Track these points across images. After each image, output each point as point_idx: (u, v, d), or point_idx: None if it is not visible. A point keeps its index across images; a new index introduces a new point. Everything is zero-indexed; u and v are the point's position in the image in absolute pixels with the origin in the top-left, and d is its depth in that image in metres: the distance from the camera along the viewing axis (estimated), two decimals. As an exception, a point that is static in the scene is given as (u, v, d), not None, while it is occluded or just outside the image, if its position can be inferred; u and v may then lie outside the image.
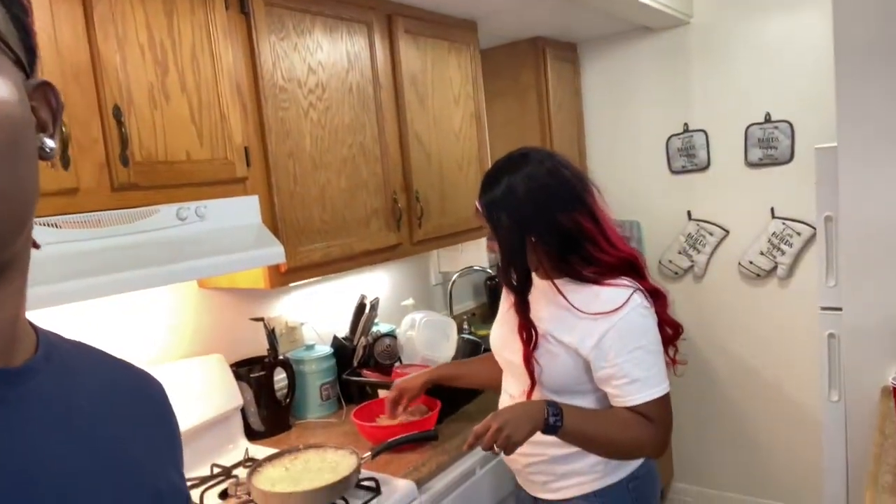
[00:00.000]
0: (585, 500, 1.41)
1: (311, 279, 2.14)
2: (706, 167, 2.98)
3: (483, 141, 2.53)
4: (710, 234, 3.00)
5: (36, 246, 0.54)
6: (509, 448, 1.23)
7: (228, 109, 1.59)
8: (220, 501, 1.55)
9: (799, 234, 2.78)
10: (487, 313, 2.96)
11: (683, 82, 2.98)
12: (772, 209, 2.84)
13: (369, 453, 1.58)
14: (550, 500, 1.46)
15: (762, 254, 2.87)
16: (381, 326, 2.29)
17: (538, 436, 1.27)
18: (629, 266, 1.37)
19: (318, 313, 2.27)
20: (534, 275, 1.40)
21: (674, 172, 3.06)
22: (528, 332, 1.37)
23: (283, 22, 1.74)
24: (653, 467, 1.50)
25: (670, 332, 1.39)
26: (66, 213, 1.28)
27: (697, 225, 3.02)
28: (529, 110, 2.97)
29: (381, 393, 2.00)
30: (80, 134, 1.31)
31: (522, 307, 1.37)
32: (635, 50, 3.08)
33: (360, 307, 2.19)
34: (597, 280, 1.34)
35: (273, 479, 1.48)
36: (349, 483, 1.46)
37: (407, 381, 1.72)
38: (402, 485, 1.58)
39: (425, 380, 1.70)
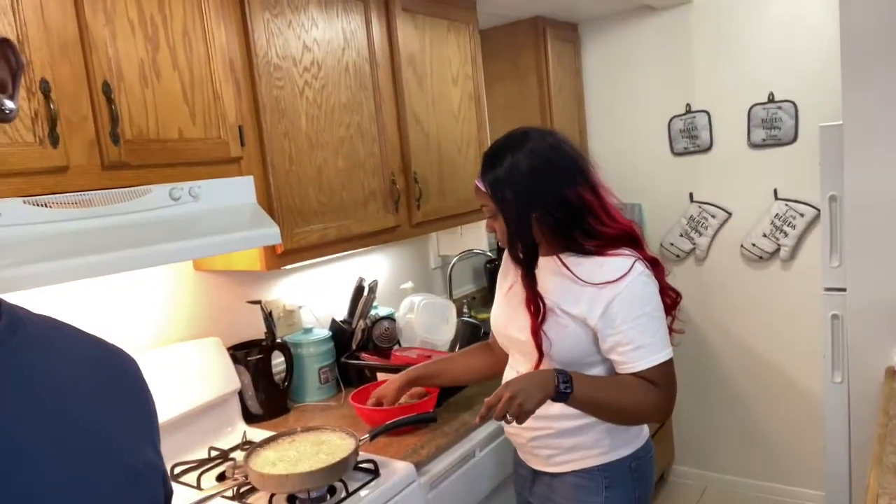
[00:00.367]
0: (588, 473, 1.43)
1: (309, 262, 2.12)
2: (709, 148, 2.95)
3: (482, 122, 2.50)
4: (713, 216, 2.97)
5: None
6: (521, 417, 1.23)
7: (221, 87, 1.56)
8: (218, 484, 1.54)
9: (802, 215, 2.75)
10: (487, 297, 2.94)
11: (686, 62, 2.94)
12: (775, 190, 2.81)
13: (367, 435, 1.56)
14: (554, 473, 1.47)
15: (765, 236, 2.84)
16: (379, 310, 2.27)
17: (545, 409, 1.28)
18: (628, 237, 1.40)
19: (316, 297, 2.25)
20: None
21: (676, 154, 3.03)
22: (535, 304, 1.39)
23: (277, -2, 1.70)
24: (651, 450, 1.52)
25: (672, 297, 1.43)
26: (55, 193, 1.26)
27: (699, 207, 2.99)
28: (530, 92, 2.93)
29: (381, 376, 1.99)
30: (68, 110, 1.28)
31: (530, 280, 1.39)
32: (637, 30, 3.03)
33: (359, 290, 2.17)
34: (599, 251, 1.37)
35: (270, 461, 1.46)
36: (347, 465, 1.45)
37: (383, 388, 1.72)
38: (401, 467, 1.57)
39: (401, 382, 1.70)
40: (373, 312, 2.20)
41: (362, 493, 1.47)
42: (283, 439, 1.56)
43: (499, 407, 1.23)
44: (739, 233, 2.92)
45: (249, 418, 1.91)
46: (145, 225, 1.37)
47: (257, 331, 1.98)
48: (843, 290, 2.05)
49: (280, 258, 1.73)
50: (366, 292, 2.14)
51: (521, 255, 1.39)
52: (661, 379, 1.33)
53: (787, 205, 2.78)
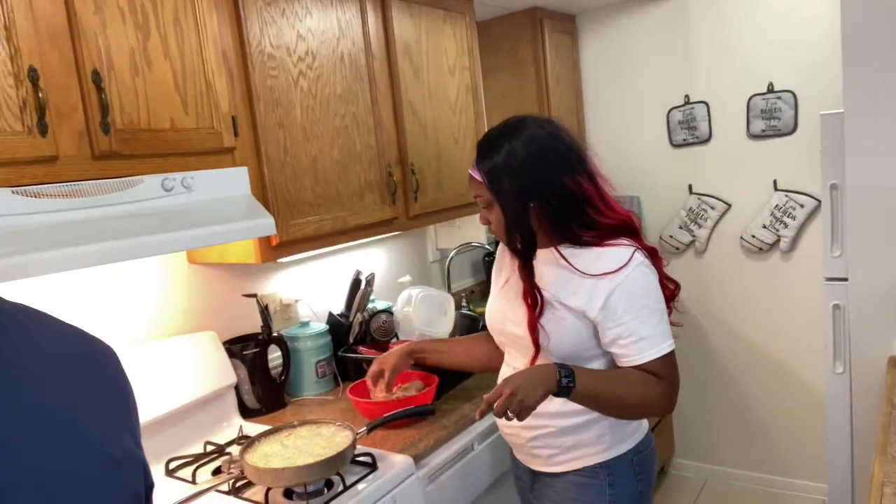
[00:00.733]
0: (591, 471, 1.40)
1: (305, 255, 2.11)
2: (708, 140, 2.93)
3: (480, 114, 2.47)
4: (712, 207, 2.95)
5: None
6: (522, 413, 1.19)
7: (214, 76, 1.53)
8: (212, 478, 1.52)
9: (802, 206, 2.73)
10: (486, 290, 2.90)
11: (684, 53, 2.91)
12: (774, 181, 2.79)
13: (365, 428, 1.54)
14: (555, 473, 1.43)
15: (765, 227, 2.82)
16: (377, 304, 2.25)
17: (544, 407, 1.25)
18: (627, 228, 1.37)
19: (312, 290, 2.23)
20: None
21: (675, 145, 3.01)
22: (533, 297, 1.35)
23: (270, -14, 1.68)
24: (653, 443, 1.49)
25: (670, 289, 1.40)
26: (45, 183, 1.24)
27: (699, 199, 2.97)
28: (527, 84, 2.90)
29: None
30: (57, 99, 1.26)
31: (527, 272, 1.35)
32: (635, 21, 3.01)
33: (356, 283, 2.15)
34: (597, 242, 1.34)
35: (267, 455, 1.45)
36: (344, 458, 1.43)
37: (385, 355, 1.67)
38: (399, 460, 1.55)
39: (404, 351, 1.64)
40: (370, 306, 2.18)
41: (360, 486, 1.45)
42: (279, 433, 1.54)
43: (499, 403, 1.19)
44: (739, 224, 2.90)
45: (246, 413, 1.89)
46: (137, 216, 1.35)
47: (253, 325, 1.96)
48: (845, 279, 2.04)
49: (275, 250, 1.71)
50: (363, 285, 2.12)
51: (518, 246, 1.35)
52: (664, 371, 1.30)
53: (786, 196, 2.76)
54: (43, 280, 1.54)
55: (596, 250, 1.33)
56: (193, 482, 1.51)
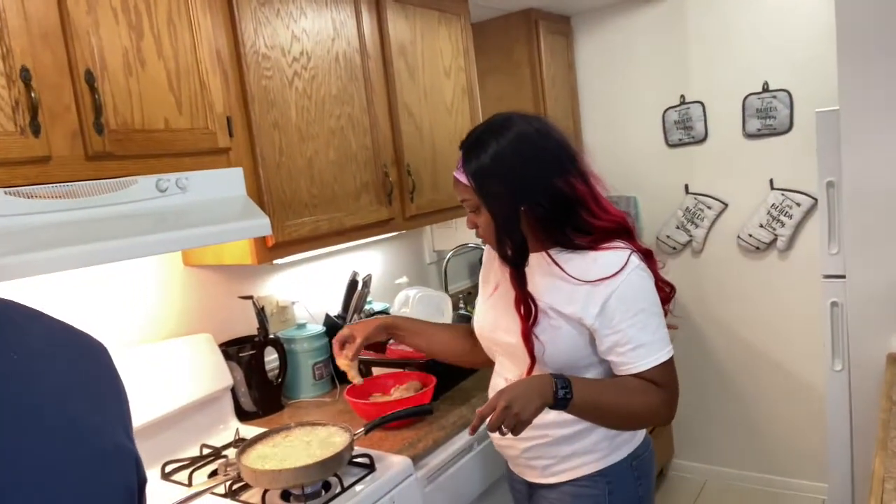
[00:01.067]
0: (590, 480, 1.34)
1: (302, 257, 2.10)
2: (703, 139, 2.93)
3: (476, 115, 2.47)
4: (709, 207, 2.95)
5: None
6: (518, 428, 1.13)
7: (208, 77, 1.53)
8: (207, 480, 1.51)
9: (799, 204, 2.73)
10: (483, 292, 2.91)
11: (679, 53, 2.92)
12: (771, 180, 2.79)
13: (362, 429, 1.53)
14: (552, 484, 1.38)
15: (761, 226, 2.82)
16: (374, 305, 2.24)
17: (539, 417, 1.18)
18: (622, 230, 1.31)
19: (309, 292, 2.22)
20: None
21: (671, 146, 3.01)
22: (526, 305, 1.28)
23: (264, -13, 1.68)
24: (651, 446, 1.44)
25: (665, 292, 1.33)
26: (37, 184, 1.23)
27: (695, 199, 2.97)
28: (523, 85, 2.91)
29: (376, 371, 1.96)
30: (50, 99, 1.25)
31: (520, 280, 1.28)
32: (630, 21, 3.01)
33: (353, 284, 2.14)
34: (591, 246, 1.28)
35: (263, 457, 1.43)
36: (342, 460, 1.41)
37: (360, 322, 1.57)
38: (398, 461, 1.54)
39: (383, 323, 1.54)
40: (367, 307, 2.18)
41: (357, 487, 1.44)
42: (276, 435, 1.53)
43: (493, 417, 1.13)
44: (736, 224, 2.90)
45: (243, 416, 1.88)
46: (132, 216, 1.34)
47: (250, 327, 1.95)
48: (843, 276, 2.04)
49: (271, 251, 1.70)
50: (360, 286, 2.11)
51: (509, 253, 1.27)
52: (664, 379, 1.24)
53: (783, 194, 2.76)
54: (38, 281, 1.53)
55: (591, 254, 1.27)
56: (189, 485, 1.50)
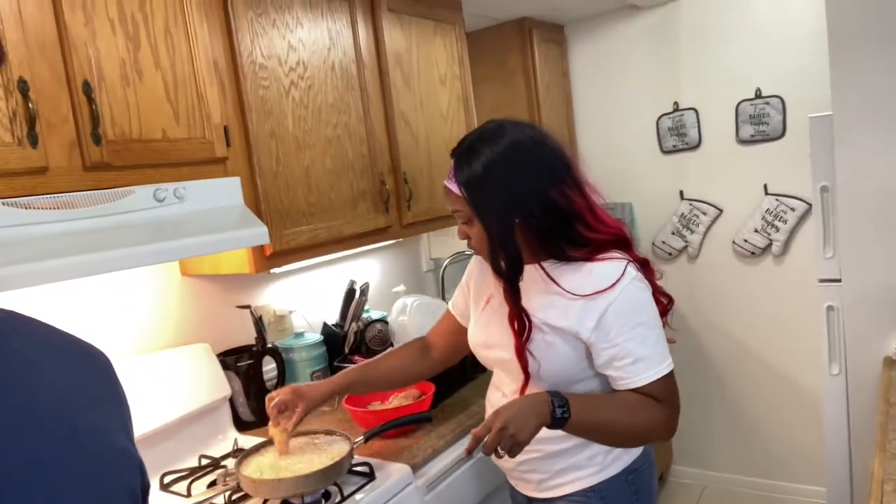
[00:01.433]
0: (584, 495, 1.31)
1: (299, 266, 2.10)
2: (697, 146, 2.95)
3: (471, 123, 2.48)
4: (704, 213, 2.96)
5: None
6: (515, 450, 1.10)
7: (205, 87, 1.53)
8: (206, 490, 1.50)
9: (793, 209, 2.75)
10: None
11: (672, 61, 2.94)
12: (765, 186, 2.81)
13: (362, 438, 1.53)
14: (547, 499, 1.35)
15: (756, 231, 2.83)
16: (372, 313, 2.24)
17: None
18: (619, 240, 1.27)
19: (307, 302, 2.22)
20: None
21: (665, 152, 3.03)
22: (520, 321, 1.24)
23: (260, -3, 1.68)
24: (651, 458, 1.40)
25: (663, 303, 1.30)
26: (36, 194, 1.23)
27: (690, 204, 2.99)
28: (518, 94, 2.92)
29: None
30: (47, 110, 1.25)
31: (514, 295, 1.24)
32: (623, 29, 3.03)
33: (350, 292, 2.14)
34: (586, 257, 1.24)
35: (262, 466, 1.43)
36: (341, 468, 1.41)
37: (310, 386, 1.47)
38: (397, 469, 1.54)
39: (330, 390, 1.46)
40: (365, 315, 2.17)
41: (358, 496, 1.44)
42: (275, 444, 1.52)
43: (488, 440, 1.09)
44: (731, 229, 2.92)
45: (241, 426, 1.87)
46: (130, 226, 1.34)
47: (247, 336, 1.95)
48: (838, 280, 2.05)
49: (269, 260, 1.70)
50: (357, 295, 2.11)
51: (503, 267, 1.22)
52: (664, 393, 1.20)
53: (777, 200, 2.78)
54: (36, 292, 1.53)
55: (586, 266, 1.23)
56: (188, 496, 1.49)
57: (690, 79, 2.91)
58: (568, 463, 1.31)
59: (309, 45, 1.82)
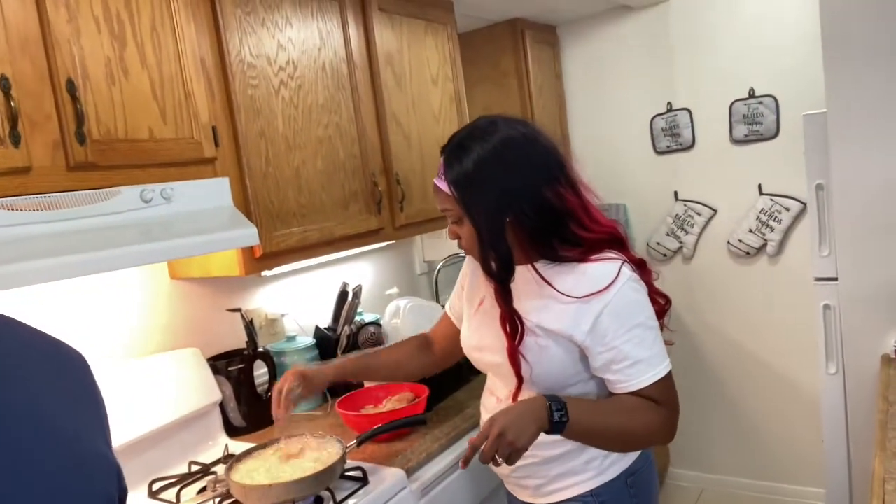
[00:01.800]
0: (582, 500, 1.28)
1: (291, 269, 2.08)
2: (691, 146, 2.94)
3: (464, 124, 2.45)
4: (698, 213, 2.95)
5: None
6: (513, 457, 1.07)
7: (193, 86, 1.51)
8: (195, 496, 1.47)
9: (787, 209, 2.74)
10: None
11: (665, 61, 2.93)
12: (759, 186, 2.80)
13: (354, 442, 1.50)
14: None
15: (751, 231, 2.82)
16: (365, 316, 2.21)
17: None
18: (613, 240, 1.24)
19: (299, 305, 2.19)
20: None
21: (659, 153, 3.02)
22: (512, 323, 1.21)
23: (249, -4, 1.66)
24: (650, 460, 1.38)
25: (660, 304, 1.27)
26: (18, 195, 1.20)
27: (685, 205, 2.98)
28: (510, 95, 2.91)
29: (367, 383, 1.93)
30: (30, 109, 1.22)
31: (505, 296, 1.21)
32: (616, 30, 3.03)
33: (343, 295, 2.11)
34: (580, 258, 1.20)
35: (253, 472, 1.40)
36: (334, 473, 1.38)
37: (315, 370, 1.47)
38: (391, 473, 1.51)
39: (331, 377, 1.47)
40: (358, 318, 2.15)
41: (351, 501, 1.41)
42: (265, 449, 1.50)
43: (486, 448, 1.06)
44: (726, 229, 2.91)
45: (232, 431, 1.84)
46: (115, 227, 1.32)
47: (238, 340, 1.92)
48: (835, 279, 2.03)
49: (259, 262, 1.68)
50: (350, 297, 2.09)
51: (494, 267, 1.19)
52: (663, 396, 1.17)
53: (771, 199, 2.77)
54: (20, 294, 1.50)
55: (580, 267, 1.19)
56: (177, 503, 1.46)
57: (684, 79, 2.90)
58: (565, 468, 1.28)
59: (299, 44, 1.80)
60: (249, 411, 1.86)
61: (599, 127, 3.14)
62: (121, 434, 1.53)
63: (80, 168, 1.30)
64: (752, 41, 2.72)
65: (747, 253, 2.85)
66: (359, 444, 1.51)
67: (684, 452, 3.19)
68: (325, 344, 2.07)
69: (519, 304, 1.22)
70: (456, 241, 1.29)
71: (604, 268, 1.18)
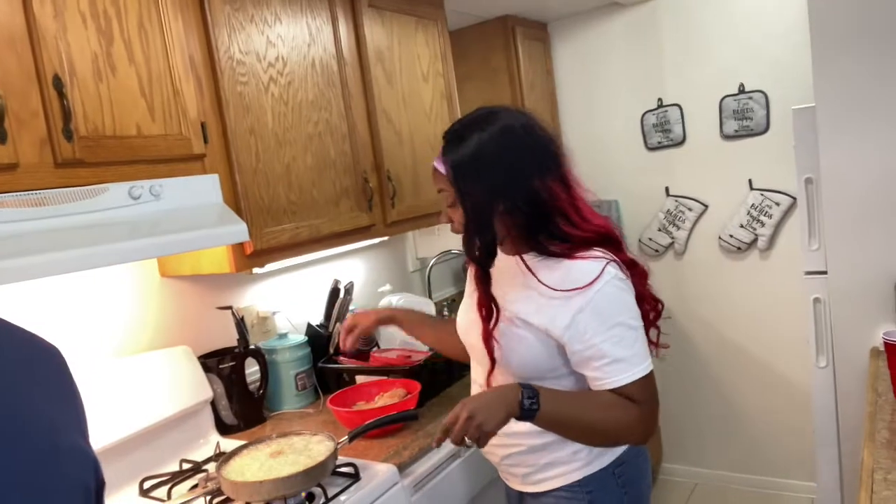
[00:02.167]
0: (570, 490, 1.29)
1: (282, 266, 2.07)
2: (682, 142, 2.95)
3: (455, 120, 2.46)
4: (689, 209, 2.96)
5: None
6: (482, 439, 1.10)
7: (181, 82, 1.50)
8: (185, 493, 1.46)
9: (778, 204, 2.75)
10: (468, 299, 2.88)
11: (656, 57, 2.94)
12: (749, 181, 2.81)
13: (346, 437, 1.50)
14: (535, 493, 1.33)
15: (742, 226, 2.83)
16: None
17: (514, 425, 1.15)
18: (604, 239, 1.24)
19: (291, 303, 2.18)
20: (498, 249, 1.25)
21: (650, 149, 3.02)
22: (488, 307, 1.25)
23: (237, -8, 1.66)
24: (643, 451, 1.39)
25: (654, 308, 1.27)
26: (5, 192, 1.19)
27: (676, 201, 2.99)
28: (502, 92, 2.91)
29: (360, 379, 1.93)
30: (16, 105, 1.22)
31: (483, 280, 1.25)
32: (606, 27, 3.03)
33: (334, 292, 2.11)
34: (567, 254, 1.21)
35: (244, 469, 1.39)
36: (325, 469, 1.38)
37: (363, 313, 1.61)
38: (383, 469, 1.51)
39: (383, 315, 1.59)
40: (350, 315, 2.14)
41: (342, 497, 1.41)
42: (256, 445, 1.49)
43: (455, 429, 1.09)
44: (717, 225, 2.92)
45: (223, 429, 1.84)
46: (104, 224, 1.31)
47: (229, 338, 1.91)
48: (824, 272, 2.04)
49: (249, 259, 1.67)
50: (342, 294, 2.08)
51: (476, 252, 1.22)
52: (642, 395, 1.17)
53: (762, 194, 2.78)
54: (8, 292, 1.49)
55: (566, 263, 1.20)
56: (168, 500, 1.45)
57: (673, 75, 2.91)
58: (552, 457, 1.29)
59: (288, 40, 1.79)
60: (241, 409, 1.85)
61: (590, 123, 3.15)
62: (112, 432, 1.53)
63: (68, 165, 1.29)
64: (741, 37, 2.73)
65: (738, 248, 2.87)
66: (350, 439, 1.50)
67: (677, 447, 3.21)
68: (317, 341, 2.06)
69: (502, 293, 1.25)
70: (457, 238, 1.33)
71: (588, 266, 1.19)
